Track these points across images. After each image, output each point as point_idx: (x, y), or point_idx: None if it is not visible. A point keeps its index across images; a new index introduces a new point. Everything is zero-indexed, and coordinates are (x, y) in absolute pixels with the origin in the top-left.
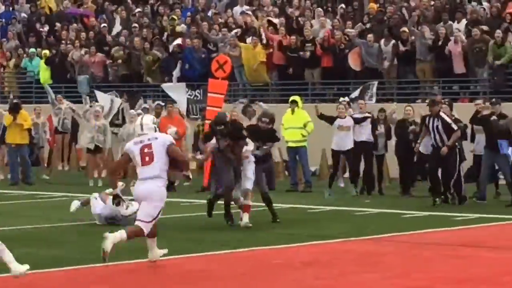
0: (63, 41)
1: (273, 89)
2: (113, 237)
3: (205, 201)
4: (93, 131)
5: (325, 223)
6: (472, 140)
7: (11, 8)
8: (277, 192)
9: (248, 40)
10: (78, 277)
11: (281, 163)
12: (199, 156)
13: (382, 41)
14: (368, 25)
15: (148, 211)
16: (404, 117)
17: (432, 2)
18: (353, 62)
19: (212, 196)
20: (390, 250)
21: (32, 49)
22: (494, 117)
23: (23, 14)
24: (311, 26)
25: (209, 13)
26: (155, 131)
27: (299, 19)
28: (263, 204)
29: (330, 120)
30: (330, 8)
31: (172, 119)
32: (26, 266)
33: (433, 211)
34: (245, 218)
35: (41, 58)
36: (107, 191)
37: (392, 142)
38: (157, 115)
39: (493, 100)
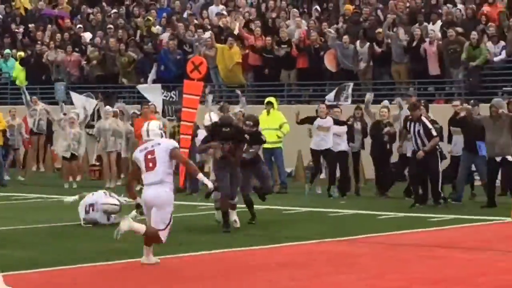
0: (38, 42)
1: (248, 90)
2: (133, 224)
3: (180, 202)
4: (69, 139)
5: (300, 224)
6: (449, 141)
7: None
8: (252, 193)
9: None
10: (52, 279)
11: None
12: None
13: (358, 42)
14: (343, 26)
15: (160, 218)
16: (379, 118)
17: (408, 4)
18: (329, 63)
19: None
20: (366, 251)
21: (7, 50)
22: (478, 115)
23: None
24: (287, 26)
25: (185, 14)
26: (162, 136)
27: (275, 20)
28: (242, 206)
29: (310, 120)
30: (305, 9)
31: (148, 120)
32: None
33: (409, 212)
34: (233, 215)
35: (16, 59)
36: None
37: (369, 141)
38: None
39: (472, 101)
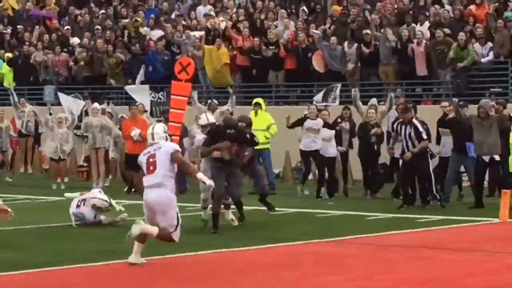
0: (26, 43)
1: (236, 91)
2: (145, 227)
3: None
4: (57, 140)
5: (288, 225)
6: (438, 142)
7: None
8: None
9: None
10: (40, 280)
11: None
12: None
13: (346, 43)
14: (331, 28)
15: (167, 224)
16: (367, 119)
17: (396, 6)
18: (317, 64)
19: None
20: (354, 252)
21: None
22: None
23: None
24: (276, 27)
25: (173, 15)
26: (166, 139)
27: (264, 21)
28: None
29: (300, 122)
30: (293, 10)
31: (136, 121)
32: None
33: (396, 213)
34: (229, 214)
35: (4, 60)
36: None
37: (357, 141)
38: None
39: (461, 103)
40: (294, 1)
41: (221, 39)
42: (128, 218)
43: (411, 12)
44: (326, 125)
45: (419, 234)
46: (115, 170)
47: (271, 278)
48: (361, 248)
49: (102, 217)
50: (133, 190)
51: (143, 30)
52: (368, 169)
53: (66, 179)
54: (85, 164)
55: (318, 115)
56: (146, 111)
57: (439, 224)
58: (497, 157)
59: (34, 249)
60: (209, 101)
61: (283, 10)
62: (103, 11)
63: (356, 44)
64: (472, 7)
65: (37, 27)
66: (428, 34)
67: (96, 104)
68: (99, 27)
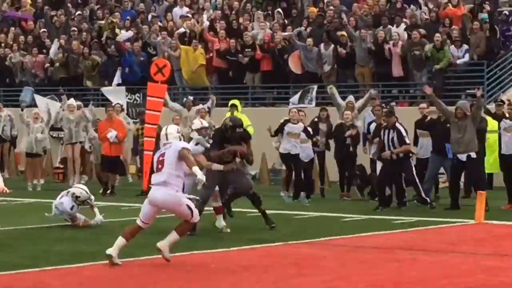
0: (1, 45)
1: (212, 92)
2: (169, 240)
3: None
4: (32, 135)
5: (265, 226)
6: (415, 143)
7: None
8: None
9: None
10: (14, 282)
11: None
12: (217, 166)
13: (322, 45)
14: (308, 29)
15: (182, 216)
16: (342, 120)
17: (373, 7)
18: (294, 65)
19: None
20: (330, 253)
21: None
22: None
23: None
24: (252, 29)
25: (149, 17)
26: (180, 139)
27: (239, 22)
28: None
29: (281, 127)
30: (270, 12)
31: (112, 123)
32: None
33: (373, 215)
34: (221, 220)
35: None
36: None
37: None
38: None
39: None
40: (271, 2)
41: (198, 40)
42: (104, 220)
43: (387, 13)
44: (307, 134)
45: (395, 235)
46: (91, 172)
47: (248, 280)
48: (337, 250)
49: (78, 214)
50: (108, 192)
51: (119, 31)
52: (344, 171)
53: (42, 181)
54: (61, 166)
55: (300, 120)
56: (123, 110)
57: (415, 226)
58: (473, 155)
59: (9, 251)
60: (184, 99)
61: (259, 12)
62: (79, 12)
63: (332, 46)
64: (448, 8)
65: (12, 28)
66: (405, 36)
67: (72, 100)
68: (75, 28)
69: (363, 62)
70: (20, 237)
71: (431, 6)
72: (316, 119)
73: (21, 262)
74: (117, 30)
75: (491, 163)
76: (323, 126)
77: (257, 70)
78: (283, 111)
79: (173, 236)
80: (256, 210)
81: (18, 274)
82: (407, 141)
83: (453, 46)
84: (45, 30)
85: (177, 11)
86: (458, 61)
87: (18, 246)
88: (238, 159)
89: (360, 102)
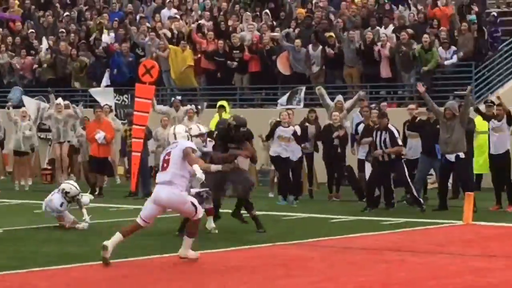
0: None
1: (201, 93)
2: (186, 245)
3: (133, 206)
4: (20, 133)
5: (252, 227)
6: (404, 144)
7: None
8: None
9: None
10: (1, 283)
11: None
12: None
13: (310, 46)
14: (296, 30)
15: (187, 214)
16: (330, 122)
17: (362, 8)
18: (282, 66)
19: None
20: (318, 254)
21: None
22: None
23: None
24: (241, 30)
25: (137, 18)
26: (188, 139)
27: (228, 23)
28: None
29: (272, 132)
30: (258, 13)
31: (100, 124)
32: None
33: (361, 216)
34: (211, 222)
35: None
36: None
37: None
38: None
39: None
40: (259, 4)
41: (186, 41)
42: (91, 221)
43: (375, 14)
44: (297, 138)
45: (383, 236)
46: (79, 173)
47: (235, 281)
48: (325, 251)
49: (67, 213)
50: (96, 192)
51: (107, 32)
52: (332, 172)
53: (30, 181)
54: (49, 167)
55: (290, 122)
56: (112, 111)
57: (403, 227)
58: (461, 155)
59: None
60: (172, 98)
61: (248, 13)
62: (67, 13)
63: (320, 47)
64: (436, 8)
65: (0, 29)
66: (393, 38)
67: (60, 100)
68: (63, 30)
69: (351, 63)
70: (7, 238)
71: (420, 7)
72: (305, 122)
73: (8, 263)
74: (105, 31)
75: (480, 164)
76: (311, 128)
77: (245, 71)
78: (271, 112)
79: (187, 240)
80: (243, 211)
81: (5, 275)
82: (400, 143)
83: (441, 48)
84: (33, 31)
85: (165, 12)
86: (446, 62)
87: (4, 247)
88: (238, 160)
89: (349, 103)
